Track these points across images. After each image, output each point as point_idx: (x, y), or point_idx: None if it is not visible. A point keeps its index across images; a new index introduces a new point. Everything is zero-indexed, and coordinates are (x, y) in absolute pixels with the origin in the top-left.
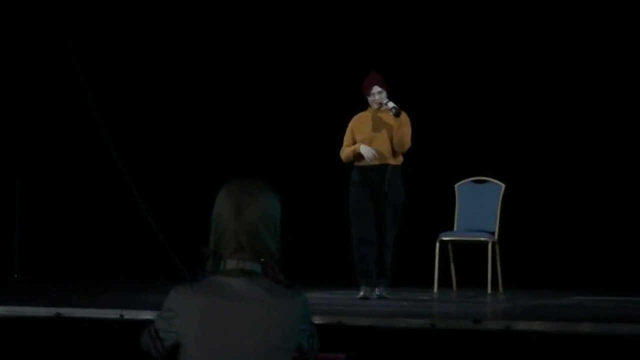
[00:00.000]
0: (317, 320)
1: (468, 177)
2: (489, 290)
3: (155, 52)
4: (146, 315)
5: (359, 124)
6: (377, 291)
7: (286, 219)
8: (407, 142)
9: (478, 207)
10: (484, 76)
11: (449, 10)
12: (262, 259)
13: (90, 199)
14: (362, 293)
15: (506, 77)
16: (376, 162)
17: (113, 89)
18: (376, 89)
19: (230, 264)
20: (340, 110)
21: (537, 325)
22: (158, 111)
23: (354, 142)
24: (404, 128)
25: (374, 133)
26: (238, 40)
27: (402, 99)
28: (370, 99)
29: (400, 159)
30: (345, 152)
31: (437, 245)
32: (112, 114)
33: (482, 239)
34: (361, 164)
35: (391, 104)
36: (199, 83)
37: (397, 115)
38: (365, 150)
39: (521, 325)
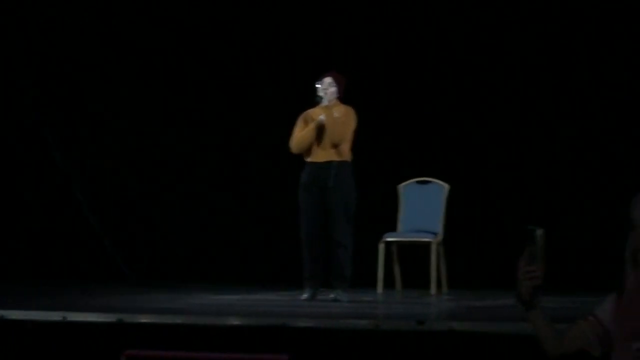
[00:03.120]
0: (260, 322)
1: (412, 177)
2: (433, 291)
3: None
4: (89, 317)
5: (309, 116)
6: (332, 294)
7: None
8: (341, 136)
9: (422, 208)
10: (427, 75)
11: (394, 9)
12: None
13: (31, 200)
14: (306, 294)
15: (449, 76)
16: (320, 159)
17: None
18: (328, 79)
19: None
20: (289, 108)
21: (481, 326)
22: (99, 109)
23: None
24: (347, 122)
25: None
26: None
27: (347, 98)
28: (319, 86)
29: (346, 155)
30: (300, 134)
31: (381, 246)
32: (55, 113)
33: (426, 239)
34: (311, 158)
35: (321, 94)
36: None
37: (317, 102)
38: (322, 117)
39: (465, 326)
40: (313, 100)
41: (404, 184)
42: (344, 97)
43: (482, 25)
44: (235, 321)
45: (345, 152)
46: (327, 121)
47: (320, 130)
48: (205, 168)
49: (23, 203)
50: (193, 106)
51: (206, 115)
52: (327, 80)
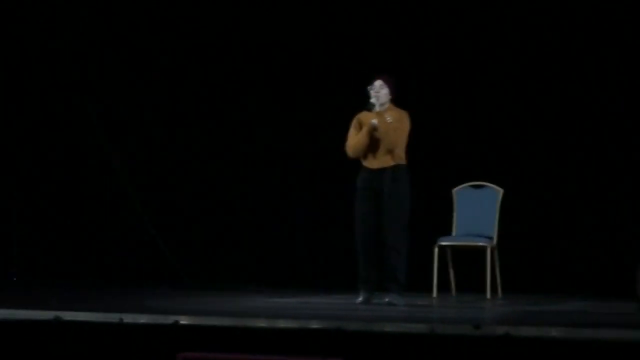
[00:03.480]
0: (315, 324)
1: (466, 182)
2: (488, 296)
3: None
4: (145, 319)
5: (363, 118)
6: (387, 297)
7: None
8: (395, 141)
9: (476, 212)
10: (482, 80)
11: (451, 14)
12: None
13: (88, 202)
14: (360, 298)
15: (505, 81)
16: (375, 165)
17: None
18: (378, 82)
19: None
20: (344, 111)
21: (537, 331)
22: (157, 115)
23: None
24: (401, 127)
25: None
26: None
27: (401, 103)
28: (371, 91)
29: (401, 159)
30: (354, 139)
31: (436, 250)
32: (113, 121)
33: (481, 243)
34: (367, 163)
35: (373, 100)
36: (195, 87)
37: (368, 109)
38: (374, 121)
39: (521, 331)
40: (364, 106)
41: (458, 188)
42: (398, 100)
43: (538, 29)
44: (289, 324)
45: (400, 157)
46: (380, 127)
47: (374, 135)
48: (262, 173)
49: (81, 207)
50: (250, 110)
51: (261, 119)
52: (378, 83)
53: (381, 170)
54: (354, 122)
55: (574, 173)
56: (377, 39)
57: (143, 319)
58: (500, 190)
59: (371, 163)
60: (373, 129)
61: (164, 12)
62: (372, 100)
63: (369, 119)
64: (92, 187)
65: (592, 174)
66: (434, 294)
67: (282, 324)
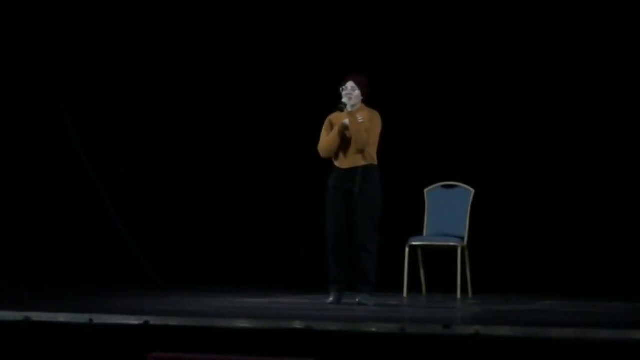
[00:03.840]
0: (285, 325)
1: (437, 182)
2: (459, 295)
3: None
4: (115, 319)
5: (335, 119)
6: (357, 297)
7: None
8: (366, 141)
9: (447, 212)
10: (453, 80)
11: (421, 14)
12: None
13: (58, 202)
14: (331, 298)
15: (475, 81)
16: (346, 165)
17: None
18: (350, 83)
19: None
20: (317, 113)
21: (507, 331)
22: (126, 114)
23: None
24: (372, 127)
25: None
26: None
27: (372, 103)
28: (343, 92)
29: (372, 159)
30: (325, 139)
31: (407, 250)
32: (80, 118)
33: (452, 243)
34: (338, 163)
35: (345, 100)
36: (169, 87)
37: (339, 109)
38: (345, 121)
39: (491, 330)
40: (336, 106)
41: (429, 188)
42: (370, 100)
43: (508, 30)
44: (259, 324)
45: (371, 157)
46: (351, 127)
47: (345, 135)
48: (231, 172)
49: (51, 207)
50: (216, 110)
51: (229, 119)
52: (350, 84)
53: (352, 170)
54: (326, 123)
55: (544, 173)
56: (349, 39)
57: (113, 319)
58: (472, 191)
59: (342, 163)
60: (344, 129)
61: (134, 16)
62: (344, 100)
63: (340, 119)
64: (62, 187)
65: (562, 173)
66: (405, 293)
67: (252, 324)
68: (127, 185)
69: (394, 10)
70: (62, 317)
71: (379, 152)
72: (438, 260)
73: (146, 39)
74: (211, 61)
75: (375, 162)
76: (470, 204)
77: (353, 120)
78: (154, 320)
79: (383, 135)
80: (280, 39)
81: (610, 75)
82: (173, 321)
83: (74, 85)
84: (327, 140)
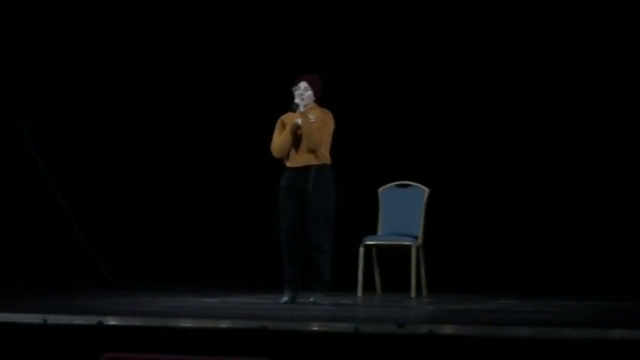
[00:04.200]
0: (239, 324)
1: (392, 181)
2: (413, 295)
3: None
4: (69, 320)
5: (287, 119)
6: (311, 297)
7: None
8: (318, 141)
9: (402, 212)
10: (406, 79)
11: (374, 12)
12: None
13: (11, 202)
14: (285, 297)
15: (429, 80)
16: (298, 164)
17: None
18: (303, 83)
19: None
20: (269, 114)
21: (461, 329)
22: (82, 113)
23: None
24: (324, 126)
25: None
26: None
27: (326, 101)
28: (295, 92)
29: (325, 159)
30: (278, 139)
31: (361, 249)
32: (34, 114)
33: (406, 243)
34: (290, 164)
35: (297, 100)
36: (123, 87)
37: (292, 110)
38: (297, 120)
39: (445, 329)
40: (289, 107)
41: (384, 187)
42: (322, 99)
43: (460, 29)
44: (214, 324)
45: (324, 156)
46: (303, 126)
47: (297, 134)
48: (185, 172)
49: (2, 206)
50: (175, 112)
51: (185, 119)
52: (302, 85)
53: (305, 169)
54: (278, 123)
55: (498, 171)
56: (301, 39)
57: (67, 319)
58: (426, 190)
59: (294, 162)
60: (297, 128)
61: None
62: (297, 100)
63: (293, 119)
64: (14, 186)
65: (516, 171)
66: (359, 293)
67: (206, 323)
68: (81, 184)
69: (345, 9)
70: (15, 317)
71: (332, 152)
72: (392, 260)
73: (105, 31)
74: (171, 59)
75: (329, 162)
76: (424, 203)
77: (305, 120)
78: (108, 320)
79: (337, 135)
80: (230, 39)
81: (576, 70)
82: (127, 321)
83: (27, 81)
84: (279, 140)
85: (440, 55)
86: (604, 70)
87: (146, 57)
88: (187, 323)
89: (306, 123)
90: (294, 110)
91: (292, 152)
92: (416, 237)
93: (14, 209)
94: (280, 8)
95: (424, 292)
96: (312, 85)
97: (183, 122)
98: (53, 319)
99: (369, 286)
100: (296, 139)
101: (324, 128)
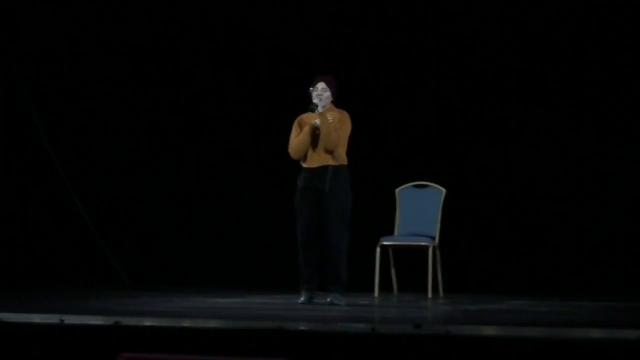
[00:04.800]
0: (257, 325)
1: (409, 181)
2: (430, 295)
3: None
4: (86, 320)
5: (303, 121)
6: (328, 297)
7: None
8: (336, 142)
9: (419, 212)
10: (425, 79)
11: (391, 14)
12: None
13: (29, 202)
14: (302, 298)
15: (447, 80)
16: (315, 165)
17: (52, 93)
18: (321, 84)
19: None
20: (286, 114)
21: (478, 330)
22: (100, 118)
23: None
24: (342, 127)
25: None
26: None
27: (343, 102)
28: (313, 92)
29: (342, 159)
30: (296, 140)
31: (378, 250)
32: (52, 118)
33: (423, 243)
34: (307, 165)
35: (316, 101)
36: (135, 87)
37: (311, 110)
38: (316, 121)
39: (461, 330)
40: (307, 108)
41: (401, 187)
42: (339, 100)
43: (479, 30)
44: (231, 324)
45: (341, 157)
46: (322, 127)
47: (315, 135)
48: (202, 173)
49: (22, 206)
50: (192, 111)
51: (202, 120)
52: (320, 85)
53: (322, 170)
54: (295, 124)
55: (515, 173)
56: (318, 40)
57: (84, 319)
58: (443, 190)
59: (311, 163)
60: (315, 129)
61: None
62: (315, 101)
63: (311, 120)
64: (32, 187)
65: (532, 173)
66: (376, 293)
67: (223, 324)
68: (98, 185)
69: (365, 11)
70: (33, 318)
71: (349, 153)
72: (409, 260)
73: (116, 38)
74: (180, 60)
75: (345, 162)
76: (441, 203)
77: (324, 120)
78: (125, 321)
79: (354, 135)
80: (247, 40)
81: (583, 73)
82: (144, 321)
83: (43, 84)
84: (297, 142)
85: (459, 56)
86: (621, 72)
87: (163, 55)
88: (203, 323)
89: (324, 123)
90: (312, 111)
91: (310, 152)
92: (433, 238)
93: (31, 210)
94: (298, 10)
95: (441, 292)
96: (329, 86)
97: (200, 122)
98: (70, 319)
99: (385, 286)
100: (314, 139)
101: (342, 129)
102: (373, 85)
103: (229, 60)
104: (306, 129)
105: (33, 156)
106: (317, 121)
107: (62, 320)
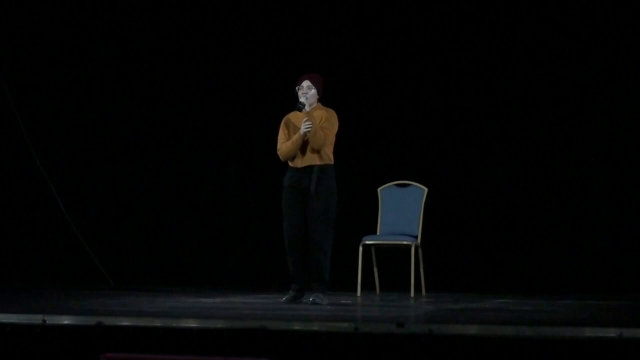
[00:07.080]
0: (239, 324)
1: (391, 181)
2: (412, 294)
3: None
4: (68, 320)
5: (291, 121)
6: (311, 296)
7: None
8: (322, 142)
9: (401, 211)
10: (407, 79)
11: (376, 13)
12: None
13: (10, 202)
14: (286, 296)
15: (429, 81)
16: (301, 164)
17: (35, 94)
18: (306, 82)
19: None
20: (272, 113)
21: (460, 329)
22: (82, 118)
23: (288, 139)
24: (328, 127)
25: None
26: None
27: (329, 100)
28: (299, 92)
29: (328, 159)
30: (286, 145)
31: (360, 249)
32: (33, 116)
33: (405, 242)
34: (293, 164)
35: (302, 100)
36: (117, 87)
37: (298, 109)
38: (304, 126)
39: (444, 329)
40: (294, 107)
41: (383, 187)
42: (325, 98)
43: (462, 30)
44: (214, 324)
45: (328, 156)
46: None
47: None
48: (187, 172)
49: (3, 206)
50: (175, 112)
51: (186, 120)
52: (305, 84)
53: (308, 169)
54: (283, 125)
55: (497, 171)
56: (303, 39)
57: (66, 320)
58: (425, 189)
59: (297, 162)
60: (304, 136)
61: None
62: (302, 99)
63: (298, 118)
64: (14, 188)
65: (514, 172)
66: (358, 292)
67: (205, 323)
68: (80, 185)
69: (349, 10)
70: (14, 318)
71: (334, 152)
72: (392, 259)
73: (101, 40)
74: (168, 60)
75: (332, 162)
76: (423, 202)
77: (312, 120)
78: (107, 321)
79: (337, 134)
80: (230, 39)
81: (568, 69)
82: (126, 321)
83: (26, 85)
84: (288, 146)
85: (440, 56)
86: (605, 70)
87: (143, 59)
88: (186, 323)
89: (312, 124)
90: (299, 110)
91: (297, 152)
92: (415, 237)
93: (13, 210)
94: (283, 9)
95: (423, 291)
96: (315, 83)
97: (183, 122)
98: (52, 319)
99: (368, 285)
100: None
101: (329, 127)
102: (355, 84)
103: (213, 60)
104: (297, 136)
105: (14, 155)
106: (308, 128)
107: (44, 321)
